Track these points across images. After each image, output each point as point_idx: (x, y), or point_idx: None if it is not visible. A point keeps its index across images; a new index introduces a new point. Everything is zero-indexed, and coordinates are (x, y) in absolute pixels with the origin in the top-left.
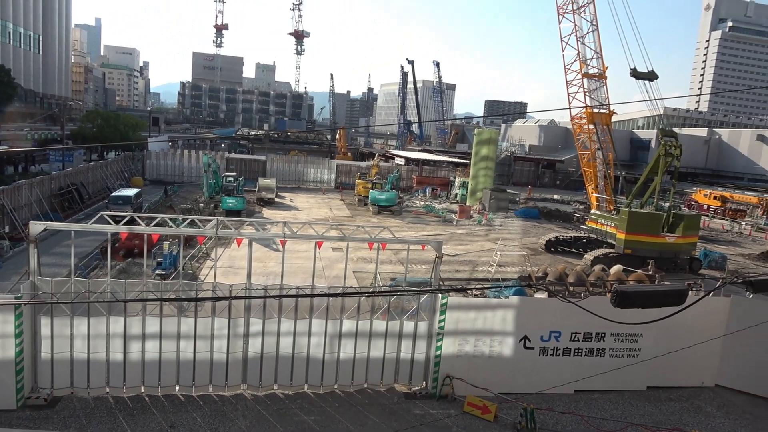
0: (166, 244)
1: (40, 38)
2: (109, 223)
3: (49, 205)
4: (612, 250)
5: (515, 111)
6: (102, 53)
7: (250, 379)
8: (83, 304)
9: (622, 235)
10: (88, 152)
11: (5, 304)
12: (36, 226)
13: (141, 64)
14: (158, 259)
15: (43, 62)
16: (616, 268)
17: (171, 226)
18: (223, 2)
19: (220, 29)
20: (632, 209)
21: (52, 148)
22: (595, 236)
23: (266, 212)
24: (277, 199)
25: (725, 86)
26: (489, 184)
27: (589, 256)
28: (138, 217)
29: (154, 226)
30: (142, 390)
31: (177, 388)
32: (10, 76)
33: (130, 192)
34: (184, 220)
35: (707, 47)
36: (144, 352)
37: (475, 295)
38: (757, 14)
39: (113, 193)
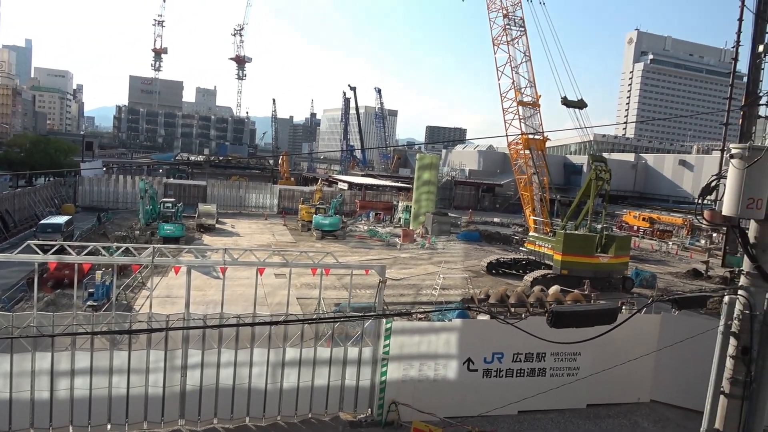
0: (98, 273)
1: None
2: (37, 253)
3: None
4: (550, 271)
5: (455, 137)
6: (33, 75)
7: (188, 413)
8: (5, 340)
9: (558, 257)
10: (15, 178)
11: None
12: None
13: (74, 87)
14: (90, 290)
15: None
16: (554, 289)
17: (104, 255)
18: (162, 26)
19: (159, 53)
20: (567, 231)
21: None
22: (534, 258)
23: (206, 239)
24: (217, 225)
25: (649, 114)
26: (431, 208)
27: (528, 278)
28: (68, 245)
29: (85, 255)
30: (71, 430)
31: (108, 426)
32: None
33: (60, 219)
34: (118, 248)
35: (631, 78)
36: (73, 389)
37: (420, 319)
38: (675, 48)
39: (42, 221)
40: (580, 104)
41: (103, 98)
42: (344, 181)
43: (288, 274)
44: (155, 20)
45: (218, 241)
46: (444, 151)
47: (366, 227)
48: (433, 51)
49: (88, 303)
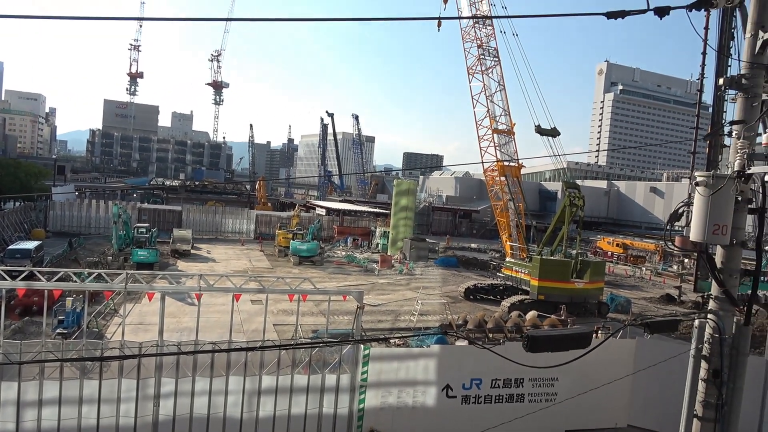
0: (69, 300)
1: None
2: (5, 279)
3: None
4: (527, 297)
5: (432, 163)
6: (3, 98)
7: None
8: None
9: (535, 282)
10: None
11: None
12: None
13: (47, 110)
14: (59, 317)
15: None
16: (531, 314)
17: (75, 281)
18: (138, 51)
19: (134, 77)
20: (543, 257)
21: None
22: (511, 283)
23: (181, 264)
24: (193, 251)
25: (620, 143)
26: (409, 234)
27: (506, 303)
28: (38, 271)
29: (55, 281)
30: None
31: None
32: None
33: (30, 245)
34: (89, 274)
35: (602, 107)
36: (40, 420)
37: (398, 345)
38: (643, 79)
39: (10, 246)
40: (553, 132)
41: (76, 122)
42: (322, 207)
43: (265, 301)
44: (131, 44)
45: (193, 267)
46: (421, 177)
47: (344, 253)
48: (408, 78)
49: (58, 331)
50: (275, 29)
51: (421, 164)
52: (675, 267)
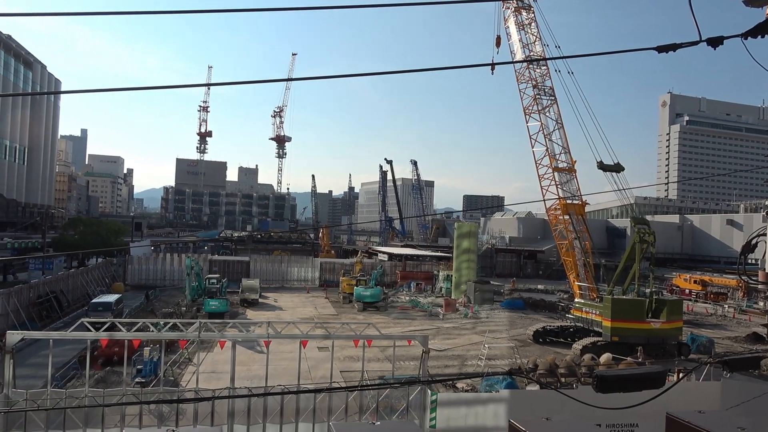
0: (146, 350)
1: (26, 150)
2: (89, 330)
3: (27, 315)
4: (600, 338)
5: (493, 204)
6: (87, 162)
7: None
8: (59, 416)
9: (608, 323)
10: (69, 259)
11: None
12: (13, 336)
13: (125, 171)
14: (138, 366)
15: (27, 172)
16: (605, 357)
17: (152, 331)
18: (207, 111)
19: (203, 136)
20: (615, 296)
21: (31, 257)
22: (582, 325)
23: (250, 313)
24: (261, 300)
25: (689, 174)
26: (472, 277)
27: (578, 346)
28: (119, 322)
29: (134, 331)
30: None
31: None
32: None
33: (111, 298)
34: (165, 324)
35: (668, 139)
36: None
37: (465, 391)
38: (710, 108)
39: (93, 300)
40: (617, 168)
41: (152, 181)
42: (384, 252)
43: (331, 347)
44: (200, 106)
45: (262, 315)
46: (482, 219)
47: (407, 298)
48: (467, 122)
49: (137, 380)
50: (335, 82)
51: (482, 206)
52: (761, 303)
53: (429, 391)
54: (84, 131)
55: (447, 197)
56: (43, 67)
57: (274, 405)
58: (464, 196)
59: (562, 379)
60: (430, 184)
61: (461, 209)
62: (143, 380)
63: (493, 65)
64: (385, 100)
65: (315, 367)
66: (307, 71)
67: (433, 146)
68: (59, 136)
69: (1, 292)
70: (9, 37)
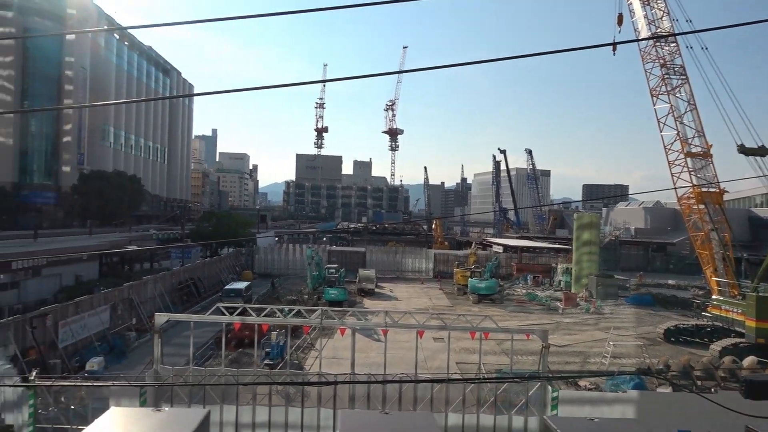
0: (273, 334)
1: (166, 150)
2: (224, 314)
3: (170, 299)
4: (742, 340)
5: (615, 194)
6: (217, 159)
7: None
8: (200, 392)
9: (752, 323)
10: (205, 249)
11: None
12: (160, 318)
13: (251, 167)
14: (266, 349)
15: (168, 170)
16: (749, 360)
17: (279, 316)
18: (323, 108)
19: (320, 132)
20: (761, 294)
21: (172, 246)
22: (721, 324)
23: (367, 302)
24: (376, 290)
25: None
26: (594, 270)
27: (716, 347)
28: (249, 308)
29: (263, 316)
30: None
31: None
32: (140, 184)
33: (241, 285)
34: (290, 310)
35: None
36: None
37: (588, 389)
38: None
39: (226, 286)
40: (762, 151)
41: (274, 175)
42: (499, 244)
43: (447, 338)
44: (317, 103)
45: (378, 305)
46: (604, 209)
47: (524, 291)
48: (583, 107)
49: (265, 361)
50: (445, 72)
51: (603, 195)
52: None
53: (550, 387)
54: (214, 131)
55: (564, 187)
56: (179, 73)
57: (393, 393)
58: (584, 186)
59: (698, 382)
60: (546, 173)
61: (580, 199)
62: (271, 362)
63: (614, 45)
64: (496, 89)
65: (431, 357)
66: (417, 63)
67: (548, 134)
68: (193, 136)
69: (149, 278)
70: (150, 48)
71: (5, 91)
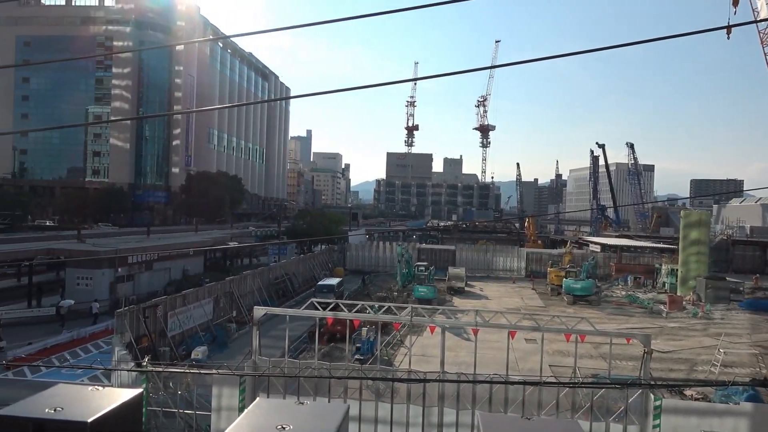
0: (364, 330)
1: (264, 151)
2: (317, 309)
3: (267, 293)
4: None
5: (728, 189)
6: (312, 159)
7: None
8: (294, 383)
9: None
10: (299, 246)
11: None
12: (259, 311)
13: (343, 166)
14: (357, 344)
15: (266, 170)
16: None
17: (369, 313)
18: (414, 106)
19: (411, 130)
20: None
21: (269, 243)
22: None
23: (456, 301)
24: (466, 288)
25: None
26: (703, 272)
27: None
28: (342, 303)
29: (355, 312)
30: None
31: None
32: (241, 183)
33: (334, 281)
34: (380, 307)
35: None
36: None
37: (695, 399)
38: None
39: (319, 282)
40: None
41: (365, 174)
42: (596, 243)
43: (540, 339)
44: (407, 101)
45: (467, 304)
46: (715, 206)
47: (623, 292)
48: (692, 96)
49: (356, 357)
50: (539, 65)
51: (714, 191)
52: None
53: (652, 396)
54: (309, 132)
55: (670, 182)
56: (276, 77)
57: (483, 393)
58: (692, 181)
59: None
60: (650, 168)
61: (687, 195)
62: (361, 358)
63: (729, 28)
64: (595, 80)
65: (522, 358)
66: (509, 57)
67: (652, 127)
68: (290, 137)
69: (249, 273)
70: (251, 54)
71: (123, 99)
